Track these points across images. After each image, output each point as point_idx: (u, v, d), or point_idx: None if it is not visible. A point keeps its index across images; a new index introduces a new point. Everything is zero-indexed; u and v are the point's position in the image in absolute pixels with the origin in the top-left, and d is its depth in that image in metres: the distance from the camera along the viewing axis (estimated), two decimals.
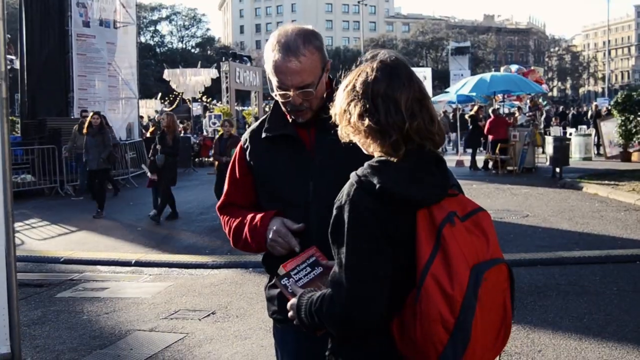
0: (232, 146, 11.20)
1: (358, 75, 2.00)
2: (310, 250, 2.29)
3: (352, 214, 1.88)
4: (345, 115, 2.00)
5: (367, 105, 1.94)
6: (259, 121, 2.70)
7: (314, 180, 2.42)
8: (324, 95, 2.45)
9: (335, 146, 2.13)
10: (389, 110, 1.92)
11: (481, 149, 21.94)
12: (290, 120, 2.51)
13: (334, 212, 1.94)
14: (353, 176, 1.94)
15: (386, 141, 1.93)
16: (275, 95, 2.46)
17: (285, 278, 2.20)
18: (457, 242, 1.87)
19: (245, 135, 2.66)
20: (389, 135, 1.92)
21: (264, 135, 2.55)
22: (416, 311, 1.85)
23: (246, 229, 2.51)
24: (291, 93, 2.38)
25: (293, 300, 2.10)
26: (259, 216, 2.48)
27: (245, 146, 2.62)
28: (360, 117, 1.95)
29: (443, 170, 2.01)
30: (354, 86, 1.99)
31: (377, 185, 1.87)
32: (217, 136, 12.91)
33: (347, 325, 1.90)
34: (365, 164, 1.96)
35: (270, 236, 2.40)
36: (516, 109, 28.05)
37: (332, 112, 2.08)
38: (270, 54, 2.40)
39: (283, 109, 2.51)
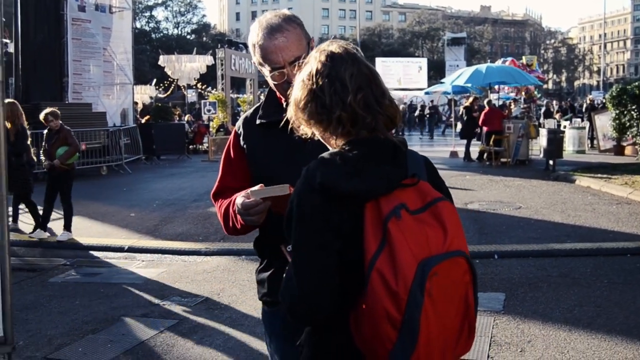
0: (61, 143, 9.83)
1: (304, 70, 2.02)
2: None
3: (298, 208, 1.88)
4: (299, 109, 2.01)
5: (313, 90, 1.94)
6: (252, 108, 2.72)
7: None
8: None
9: None
10: (334, 87, 1.92)
11: (475, 140, 21.98)
12: (284, 105, 2.52)
13: (288, 205, 1.94)
14: (303, 170, 1.93)
15: (331, 120, 1.92)
16: (272, 81, 2.49)
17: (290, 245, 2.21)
18: (404, 235, 1.80)
19: (239, 122, 2.69)
20: (332, 112, 1.91)
21: (258, 122, 2.58)
22: (365, 307, 1.81)
23: (230, 210, 2.53)
24: (287, 70, 2.42)
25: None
26: (234, 196, 2.49)
27: (239, 132, 2.65)
28: (307, 104, 1.97)
29: (400, 159, 1.97)
30: (302, 79, 2.01)
31: (317, 181, 1.85)
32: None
33: (295, 317, 1.90)
34: (318, 156, 1.95)
35: (240, 211, 2.40)
36: (511, 101, 28.07)
37: (288, 110, 2.07)
38: (256, 43, 2.46)
39: (280, 93, 2.52)
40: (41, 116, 10.28)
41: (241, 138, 2.63)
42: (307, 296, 1.86)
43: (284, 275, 1.97)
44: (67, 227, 9.84)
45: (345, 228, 1.86)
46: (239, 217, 2.45)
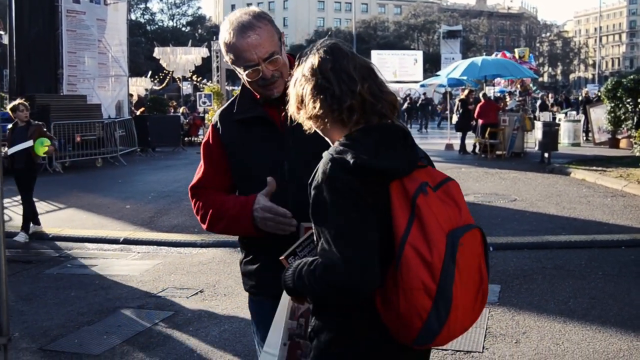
0: (38, 135, 9.51)
1: (303, 66, 2.10)
2: (309, 230, 2.29)
3: (332, 190, 1.93)
4: (303, 104, 2.08)
5: (320, 82, 2.03)
6: (227, 103, 2.73)
7: (288, 159, 2.47)
8: (290, 71, 2.48)
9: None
10: (341, 79, 2.02)
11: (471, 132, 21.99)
12: (260, 101, 2.56)
13: (312, 192, 1.99)
14: (326, 155, 2.00)
15: (343, 109, 2.01)
16: (246, 78, 2.49)
17: (292, 257, 2.22)
18: (432, 210, 1.93)
19: (216, 117, 2.69)
20: (343, 101, 2.01)
21: (235, 118, 2.59)
22: (397, 282, 1.89)
23: (229, 212, 2.51)
24: (261, 67, 2.43)
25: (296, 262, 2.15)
26: (243, 199, 2.50)
27: (217, 127, 2.65)
28: (315, 96, 2.04)
29: (410, 143, 2.08)
30: (303, 75, 2.08)
31: (351, 161, 1.92)
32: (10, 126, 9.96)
33: (349, 293, 1.92)
34: (336, 143, 2.03)
35: (258, 213, 2.41)
36: (507, 93, 28.08)
37: (288, 109, 2.14)
38: (228, 43, 2.45)
39: (255, 90, 2.54)
40: (11, 106, 10.05)
41: (220, 134, 2.63)
42: (362, 269, 1.89)
43: (310, 264, 1.99)
44: (26, 228, 9.39)
45: (377, 206, 1.96)
46: (245, 219, 2.44)
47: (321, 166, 1.99)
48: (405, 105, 38.93)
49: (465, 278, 1.93)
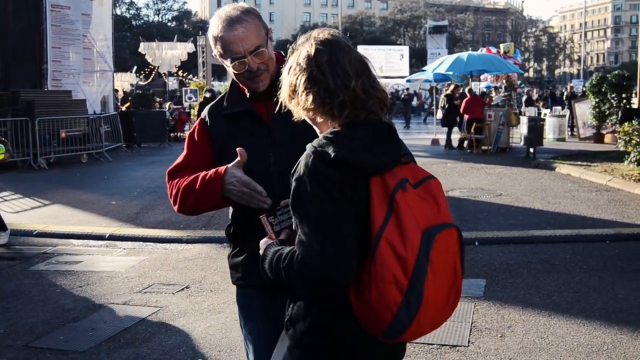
0: None
1: (299, 55, 2.11)
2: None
3: (312, 182, 1.96)
4: (295, 94, 2.10)
5: (314, 74, 2.04)
6: (217, 99, 2.79)
7: (273, 151, 2.52)
8: (277, 67, 2.53)
9: (292, 117, 2.19)
10: (336, 73, 2.03)
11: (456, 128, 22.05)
12: (247, 95, 2.62)
13: (293, 183, 2.01)
14: (309, 147, 2.02)
15: (334, 104, 2.03)
16: (233, 71, 2.54)
17: (272, 216, 2.25)
18: (410, 206, 1.96)
19: (205, 112, 2.74)
20: (336, 96, 2.02)
21: (223, 112, 2.66)
22: (371, 275, 1.92)
23: (199, 183, 2.52)
24: (247, 59, 2.48)
25: (264, 242, 2.18)
26: (214, 169, 2.52)
27: (205, 120, 2.70)
28: (308, 88, 2.06)
29: (395, 139, 2.11)
30: (298, 64, 2.09)
31: (332, 154, 1.95)
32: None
33: (325, 285, 1.95)
34: (320, 136, 2.05)
35: (234, 186, 2.44)
36: (492, 89, 28.17)
37: (280, 96, 2.16)
38: (216, 35, 2.51)
39: (242, 83, 2.60)
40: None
41: (208, 127, 2.68)
42: (338, 262, 1.93)
43: (288, 253, 2.01)
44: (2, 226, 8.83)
45: (356, 200, 1.98)
46: (214, 186, 2.46)
47: (303, 158, 2.01)
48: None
49: (439, 275, 1.96)
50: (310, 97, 2.05)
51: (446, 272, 2.00)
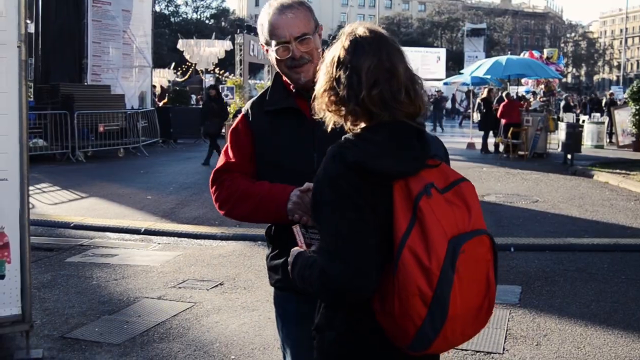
0: None
1: (330, 52, 2.04)
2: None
3: (332, 188, 1.89)
4: (318, 96, 2.04)
5: (332, 77, 1.98)
6: (259, 94, 2.74)
7: (317, 151, 2.44)
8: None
9: None
10: (351, 82, 1.94)
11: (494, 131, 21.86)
12: (292, 90, 2.58)
13: (314, 187, 1.96)
14: (330, 150, 1.95)
15: (347, 111, 1.97)
16: (276, 56, 2.51)
17: (304, 229, 2.22)
18: (435, 213, 1.86)
19: (247, 106, 2.69)
20: (347, 104, 1.95)
21: (265, 108, 2.59)
22: (394, 285, 1.84)
23: (262, 193, 2.49)
24: (292, 45, 2.45)
25: (295, 250, 2.14)
26: (281, 185, 2.47)
27: (247, 116, 2.65)
28: (324, 90, 2.01)
29: (422, 141, 2.00)
30: (325, 63, 2.04)
31: (352, 159, 1.88)
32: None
33: (345, 296, 1.89)
34: (342, 138, 1.97)
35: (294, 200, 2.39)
36: (531, 93, 27.87)
37: (314, 94, 2.08)
38: (265, 21, 2.51)
39: (283, 73, 2.56)
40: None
41: (250, 122, 2.62)
42: (360, 272, 1.86)
43: (314, 263, 1.96)
44: None
45: (379, 207, 1.90)
46: (280, 200, 2.42)
47: (323, 163, 1.95)
48: None
49: (467, 286, 1.86)
50: (325, 100, 2.01)
51: (476, 282, 1.91)
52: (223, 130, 16.69)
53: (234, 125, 2.69)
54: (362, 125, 1.99)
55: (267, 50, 2.57)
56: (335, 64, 1.98)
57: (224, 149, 2.69)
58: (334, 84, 1.97)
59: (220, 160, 2.67)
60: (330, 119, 2.06)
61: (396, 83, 1.95)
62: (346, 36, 2.02)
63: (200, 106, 26.59)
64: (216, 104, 16.74)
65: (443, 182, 1.95)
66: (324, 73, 2.03)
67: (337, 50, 2.01)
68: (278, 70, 2.58)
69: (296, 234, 2.21)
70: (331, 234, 1.89)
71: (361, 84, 1.93)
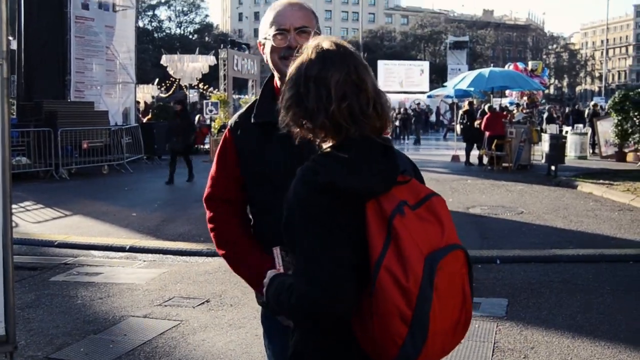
0: None
1: (296, 63, 2.00)
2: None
3: (303, 210, 1.86)
4: (284, 109, 2.00)
5: (300, 90, 1.94)
6: (246, 106, 2.68)
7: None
8: None
9: None
10: (319, 95, 1.91)
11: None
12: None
13: (285, 211, 1.92)
14: (298, 172, 1.92)
15: (317, 125, 1.93)
16: (270, 48, 2.50)
17: (284, 252, 2.17)
18: (409, 232, 1.83)
19: (234, 119, 2.64)
20: (316, 119, 1.92)
21: (252, 121, 2.54)
22: (372, 306, 1.82)
23: (236, 266, 2.61)
24: (291, 35, 2.45)
25: (271, 272, 2.10)
26: (251, 269, 2.53)
27: (232, 130, 2.60)
28: (290, 105, 1.96)
29: (391, 158, 1.97)
30: (290, 77, 2.00)
31: (322, 180, 1.85)
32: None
33: (321, 315, 1.86)
34: (310, 159, 1.94)
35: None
36: (514, 106, 28.05)
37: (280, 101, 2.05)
38: (270, 15, 2.53)
39: (274, 64, 2.51)
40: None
41: (235, 138, 2.58)
42: (336, 292, 1.83)
43: (284, 285, 1.94)
44: None
45: (352, 227, 1.87)
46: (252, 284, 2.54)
47: (293, 185, 1.91)
48: (400, 116, 37.53)
49: (445, 302, 1.85)
50: (291, 114, 1.97)
51: (454, 297, 1.89)
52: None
53: (221, 142, 2.64)
54: (330, 142, 1.96)
55: (262, 47, 2.56)
56: (303, 77, 1.94)
57: (211, 170, 2.66)
58: (302, 97, 1.93)
59: (207, 185, 2.66)
60: (298, 134, 2.02)
61: (364, 97, 1.93)
62: (312, 49, 1.98)
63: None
64: (182, 119, 16.26)
65: (414, 198, 1.93)
66: (290, 87, 1.98)
67: (303, 63, 1.97)
68: (270, 62, 2.53)
69: (275, 256, 2.18)
70: (305, 257, 1.86)
71: (330, 97, 1.89)
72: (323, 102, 1.89)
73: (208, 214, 2.65)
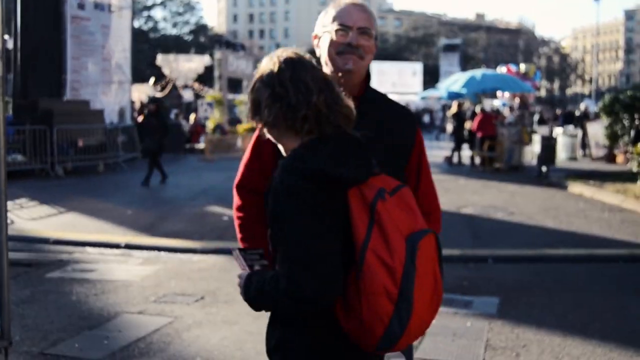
0: None
1: (261, 73, 2.12)
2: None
3: (290, 198, 1.93)
4: (259, 110, 2.10)
5: (277, 90, 2.04)
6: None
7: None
8: (365, 73, 2.56)
9: (378, 123, 2.31)
10: (298, 89, 2.03)
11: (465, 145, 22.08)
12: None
13: (270, 201, 1.99)
14: (281, 163, 2.01)
15: (297, 119, 2.03)
16: (328, 41, 2.49)
17: (243, 252, 2.24)
18: (391, 215, 1.97)
19: None
20: (298, 111, 2.02)
21: None
22: (359, 288, 1.92)
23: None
24: (353, 32, 2.46)
25: (243, 273, 2.15)
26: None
27: None
28: (270, 104, 2.06)
29: (364, 152, 2.08)
30: (262, 80, 2.10)
31: (308, 168, 1.94)
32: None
33: (313, 302, 1.92)
34: (290, 151, 2.04)
35: None
36: (508, 107, 28.15)
37: (246, 115, 2.17)
38: (332, 10, 2.53)
39: (330, 57, 2.49)
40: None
41: None
42: (326, 279, 1.91)
43: (272, 277, 1.99)
44: None
45: (337, 213, 1.98)
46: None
47: (277, 174, 1.99)
48: None
49: (423, 282, 1.95)
50: (273, 112, 2.05)
51: (428, 278, 1.99)
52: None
53: (256, 133, 2.57)
54: (310, 137, 2.05)
55: (318, 40, 2.56)
56: (276, 79, 2.05)
57: (243, 158, 2.63)
58: (281, 95, 2.03)
59: (239, 172, 2.62)
60: (270, 133, 2.14)
61: (334, 91, 2.09)
62: (276, 58, 2.11)
63: (179, 121, 26.60)
64: (156, 119, 15.88)
65: (387, 188, 2.05)
66: (259, 88, 2.10)
67: (272, 70, 2.08)
68: (324, 55, 2.51)
69: (236, 258, 2.23)
70: (293, 243, 1.92)
71: (310, 89, 2.03)
72: (304, 95, 2.02)
73: (237, 201, 2.62)
